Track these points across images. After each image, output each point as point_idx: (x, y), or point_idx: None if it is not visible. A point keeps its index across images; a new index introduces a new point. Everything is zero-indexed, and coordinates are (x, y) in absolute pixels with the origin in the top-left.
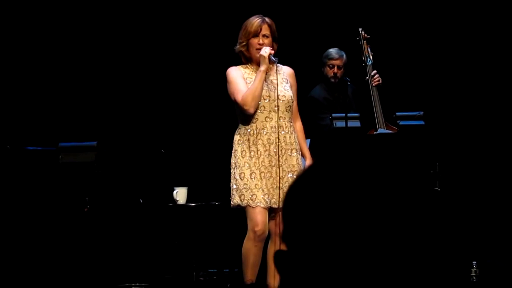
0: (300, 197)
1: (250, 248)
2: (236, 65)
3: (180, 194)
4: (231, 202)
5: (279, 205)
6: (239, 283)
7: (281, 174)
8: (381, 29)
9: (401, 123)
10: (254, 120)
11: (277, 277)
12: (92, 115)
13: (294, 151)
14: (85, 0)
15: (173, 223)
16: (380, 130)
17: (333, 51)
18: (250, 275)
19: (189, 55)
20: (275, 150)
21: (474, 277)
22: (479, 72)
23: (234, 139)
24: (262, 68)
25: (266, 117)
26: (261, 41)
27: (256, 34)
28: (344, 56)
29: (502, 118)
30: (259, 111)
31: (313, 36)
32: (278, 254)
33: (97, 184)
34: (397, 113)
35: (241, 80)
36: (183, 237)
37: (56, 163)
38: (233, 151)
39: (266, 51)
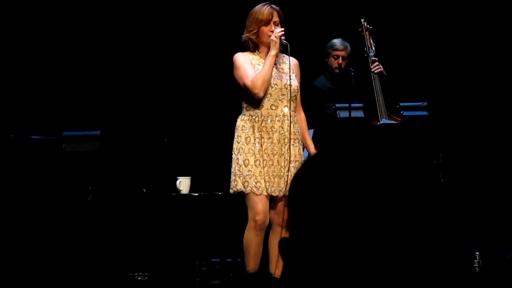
0: (305, 185)
1: (251, 237)
2: (241, 51)
3: (183, 184)
4: (233, 188)
5: (280, 193)
6: (242, 273)
7: (283, 163)
8: (385, 19)
9: (405, 113)
10: (260, 107)
11: (280, 266)
12: (95, 104)
13: (297, 141)
14: None
15: (176, 213)
16: (383, 121)
17: (337, 41)
18: (252, 264)
19: (191, 45)
20: (278, 138)
21: (477, 268)
22: (483, 63)
23: (237, 124)
24: (273, 52)
25: (272, 104)
26: (273, 29)
27: (268, 22)
28: (348, 47)
29: (505, 109)
30: (265, 98)
31: (315, 26)
32: (282, 242)
33: (100, 174)
34: (401, 104)
35: (249, 65)
36: (186, 226)
37: (59, 152)
38: (235, 137)
39: (277, 34)
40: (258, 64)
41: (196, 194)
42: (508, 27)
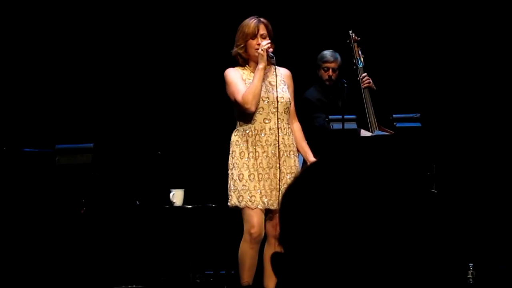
0: (297, 199)
1: (246, 250)
2: (233, 66)
3: (177, 196)
4: (229, 203)
5: (276, 206)
6: (236, 285)
7: (279, 176)
8: (378, 30)
9: (398, 125)
10: (253, 122)
11: (274, 279)
12: (88, 117)
13: (291, 152)
14: (84, 3)
15: (169, 225)
16: (376, 132)
17: (328, 53)
18: (246, 277)
19: (185, 57)
20: (273, 151)
21: (470, 279)
22: (476, 74)
23: (232, 139)
24: (261, 66)
25: (265, 118)
26: (259, 42)
27: (254, 36)
28: (339, 58)
29: (498, 119)
30: (257, 112)
31: (304, 38)
32: (274, 256)
33: (94, 186)
34: (394, 115)
35: (240, 80)
36: (180, 239)
37: (52, 165)
38: (230, 152)
39: (263, 47)
40: (249, 79)
41: (190, 206)
42: (500, 38)
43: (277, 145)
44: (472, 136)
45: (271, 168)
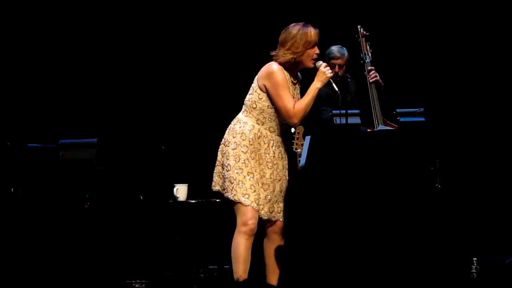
0: (300, 193)
1: (241, 241)
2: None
3: (181, 191)
4: (230, 195)
5: (281, 219)
6: (231, 280)
7: (282, 188)
8: (382, 25)
9: (401, 119)
10: (264, 124)
11: (276, 275)
12: (92, 112)
13: (286, 163)
14: (85, 0)
15: (173, 220)
16: (380, 127)
17: (334, 50)
18: (241, 271)
19: (189, 52)
20: (283, 164)
21: (474, 274)
22: (479, 68)
23: (237, 130)
24: (318, 85)
25: (270, 127)
26: (318, 51)
27: (315, 44)
28: (346, 53)
29: (502, 114)
30: (269, 120)
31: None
32: (278, 250)
33: (98, 181)
34: (397, 110)
35: (288, 86)
36: (184, 233)
37: (56, 160)
38: (232, 142)
39: (329, 72)
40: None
41: (193, 201)
42: (504, 33)
43: (281, 156)
44: (476, 131)
45: (273, 180)
